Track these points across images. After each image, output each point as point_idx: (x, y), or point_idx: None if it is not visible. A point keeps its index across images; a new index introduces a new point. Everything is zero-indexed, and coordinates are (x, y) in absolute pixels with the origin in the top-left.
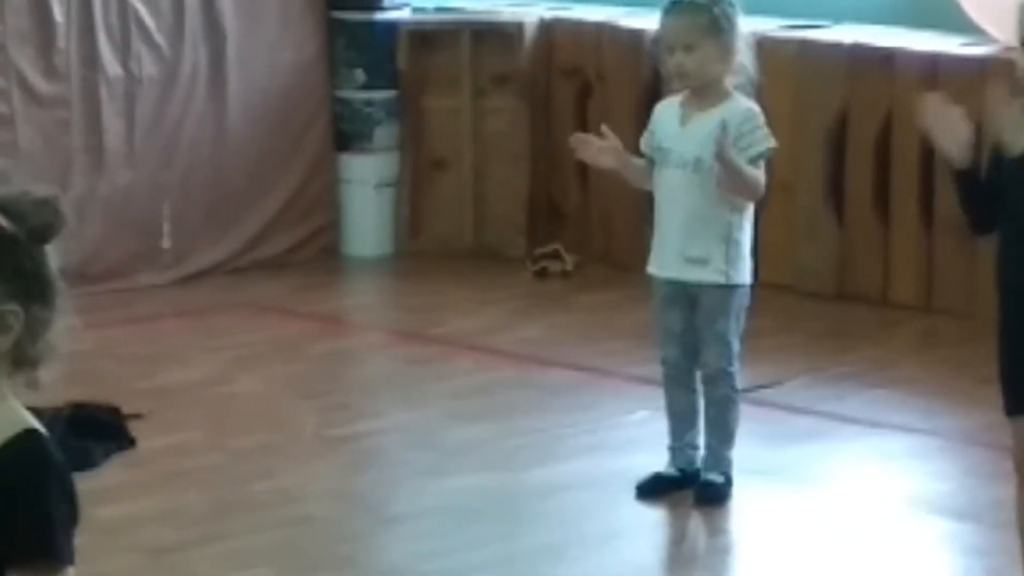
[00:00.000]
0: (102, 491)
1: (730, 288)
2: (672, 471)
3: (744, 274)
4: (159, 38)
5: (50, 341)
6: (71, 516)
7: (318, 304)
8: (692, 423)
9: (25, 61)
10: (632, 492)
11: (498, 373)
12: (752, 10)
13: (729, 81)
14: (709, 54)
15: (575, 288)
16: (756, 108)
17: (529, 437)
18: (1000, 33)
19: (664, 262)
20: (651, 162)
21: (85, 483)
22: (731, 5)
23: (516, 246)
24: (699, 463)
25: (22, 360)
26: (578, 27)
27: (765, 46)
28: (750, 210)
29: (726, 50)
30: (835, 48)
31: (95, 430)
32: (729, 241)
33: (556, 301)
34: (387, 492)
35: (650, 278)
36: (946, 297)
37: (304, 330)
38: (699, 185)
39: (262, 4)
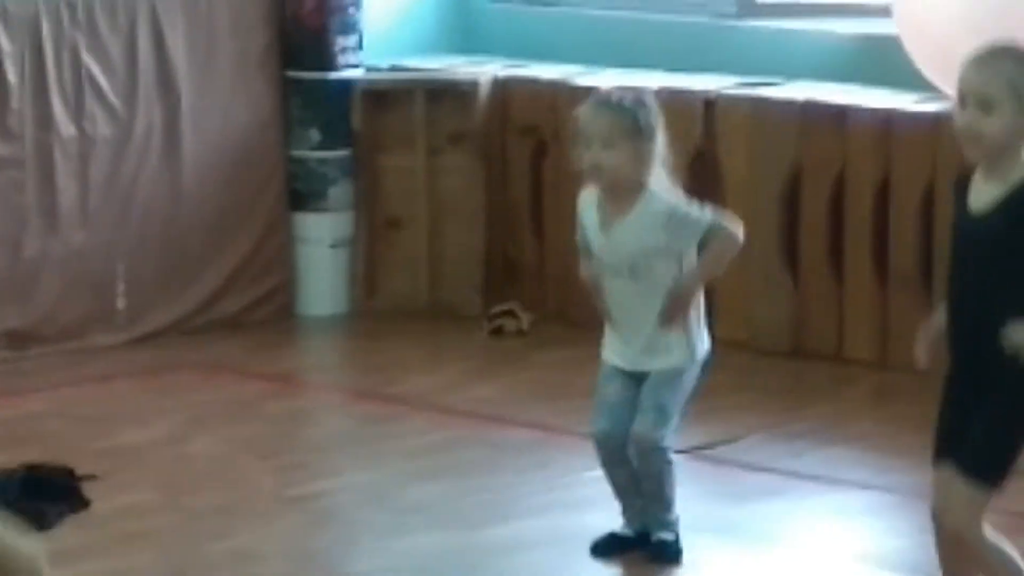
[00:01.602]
0: (56, 553)
1: (686, 367)
2: (627, 531)
3: (702, 346)
4: (113, 98)
5: None
6: None
7: (274, 364)
8: (637, 491)
9: None
10: (588, 550)
11: (454, 432)
12: (705, 68)
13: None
14: (626, 155)
15: (531, 346)
16: (671, 200)
17: (485, 495)
18: (952, 90)
19: (624, 358)
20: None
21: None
22: (654, 115)
23: (472, 304)
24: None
25: None
26: (533, 85)
27: (718, 104)
28: (701, 287)
29: (643, 156)
30: (788, 105)
31: (49, 491)
32: (688, 329)
33: (512, 359)
34: (345, 551)
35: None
36: (901, 353)
37: (260, 390)
38: (643, 290)
39: (216, 63)
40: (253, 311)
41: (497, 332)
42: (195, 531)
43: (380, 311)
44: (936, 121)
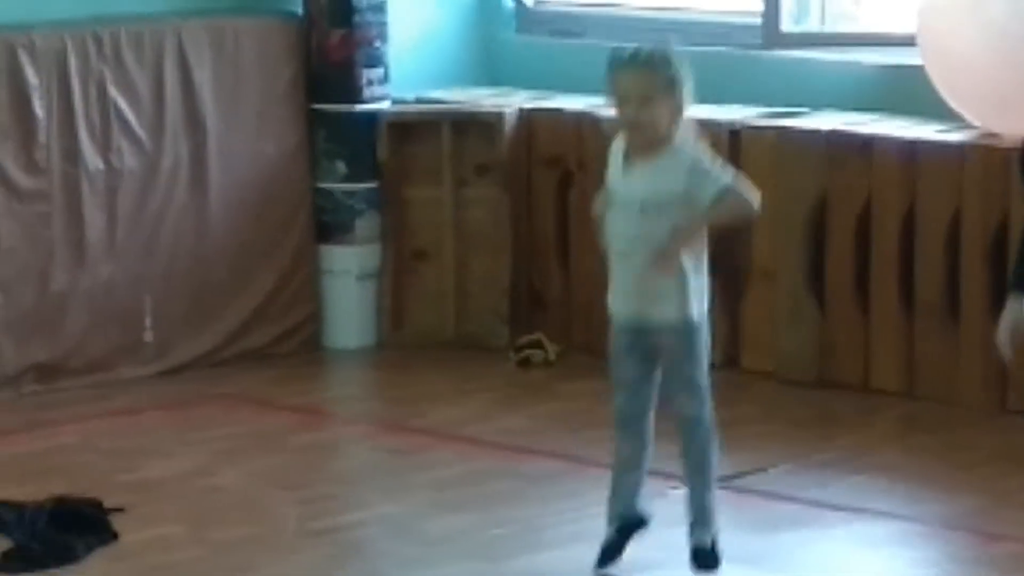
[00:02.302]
0: None
1: (691, 327)
2: (612, 536)
3: (702, 308)
4: (140, 131)
5: None
6: None
7: (300, 396)
8: (636, 469)
9: (6, 156)
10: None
11: (481, 463)
12: (730, 98)
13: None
14: (663, 110)
15: (558, 377)
16: (697, 152)
17: (512, 527)
18: (977, 119)
19: (625, 303)
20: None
21: None
22: (683, 64)
23: (498, 336)
24: (639, 508)
25: None
26: (558, 117)
27: (744, 134)
28: (703, 243)
29: (678, 108)
30: (813, 135)
31: (77, 524)
32: (684, 277)
33: (539, 390)
34: None
35: (609, 327)
36: (927, 383)
37: (286, 422)
38: (648, 230)
39: (243, 97)
40: (280, 343)
41: (524, 363)
42: (222, 564)
43: (407, 343)
44: (961, 150)
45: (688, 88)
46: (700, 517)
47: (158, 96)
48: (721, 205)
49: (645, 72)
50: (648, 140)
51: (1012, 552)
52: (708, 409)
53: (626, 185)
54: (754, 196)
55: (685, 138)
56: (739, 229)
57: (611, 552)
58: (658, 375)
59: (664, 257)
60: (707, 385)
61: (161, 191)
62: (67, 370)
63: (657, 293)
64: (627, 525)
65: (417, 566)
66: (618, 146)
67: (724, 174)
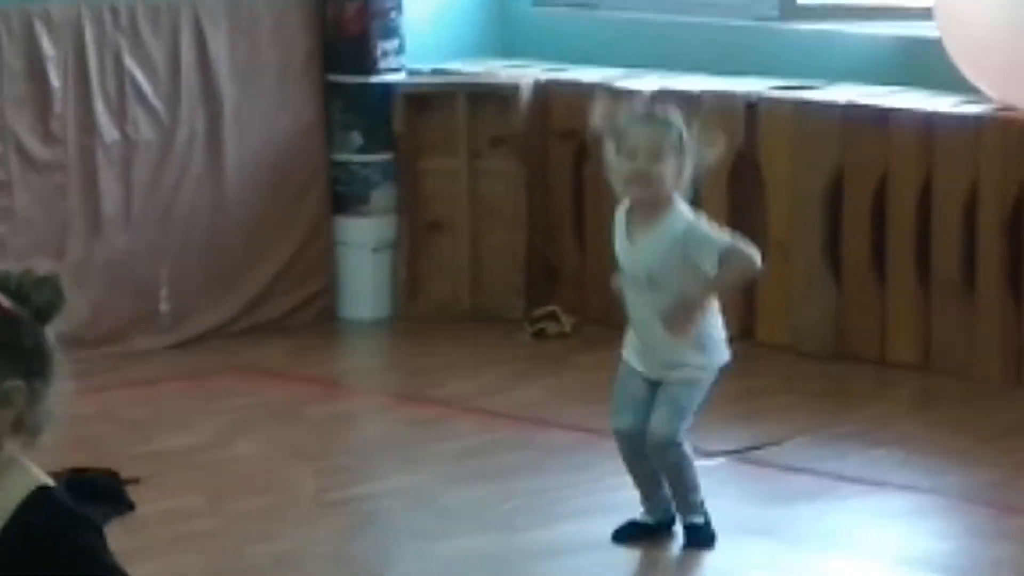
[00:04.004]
0: None
1: (700, 370)
2: (647, 519)
3: (719, 356)
4: (156, 103)
5: (47, 408)
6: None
7: (316, 367)
8: (659, 482)
9: (22, 126)
10: (634, 552)
11: (497, 435)
12: (747, 71)
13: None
14: (670, 168)
15: (573, 349)
16: (691, 217)
17: (528, 499)
18: (995, 92)
19: (643, 364)
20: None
21: None
22: (689, 131)
23: (514, 308)
24: (674, 511)
25: (21, 428)
26: (574, 89)
27: (760, 107)
28: (709, 298)
29: (681, 170)
30: (830, 108)
31: (94, 495)
32: (700, 342)
33: (554, 362)
34: (386, 555)
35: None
36: (944, 356)
37: (302, 393)
38: (656, 301)
39: (259, 68)
40: (296, 315)
41: (539, 335)
42: (238, 534)
43: (422, 315)
44: (978, 123)
45: (690, 154)
46: (686, 508)
47: (174, 67)
48: (724, 269)
49: (659, 128)
50: (653, 197)
51: None
52: (683, 433)
53: (632, 257)
54: (755, 253)
55: (682, 206)
56: (745, 286)
57: (639, 533)
58: None
59: (676, 327)
60: (691, 418)
61: (177, 162)
62: (83, 341)
63: (673, 360)
64: (662, 526)
65: (433, 537)
66: (621, 215)
67: (721, 236)
